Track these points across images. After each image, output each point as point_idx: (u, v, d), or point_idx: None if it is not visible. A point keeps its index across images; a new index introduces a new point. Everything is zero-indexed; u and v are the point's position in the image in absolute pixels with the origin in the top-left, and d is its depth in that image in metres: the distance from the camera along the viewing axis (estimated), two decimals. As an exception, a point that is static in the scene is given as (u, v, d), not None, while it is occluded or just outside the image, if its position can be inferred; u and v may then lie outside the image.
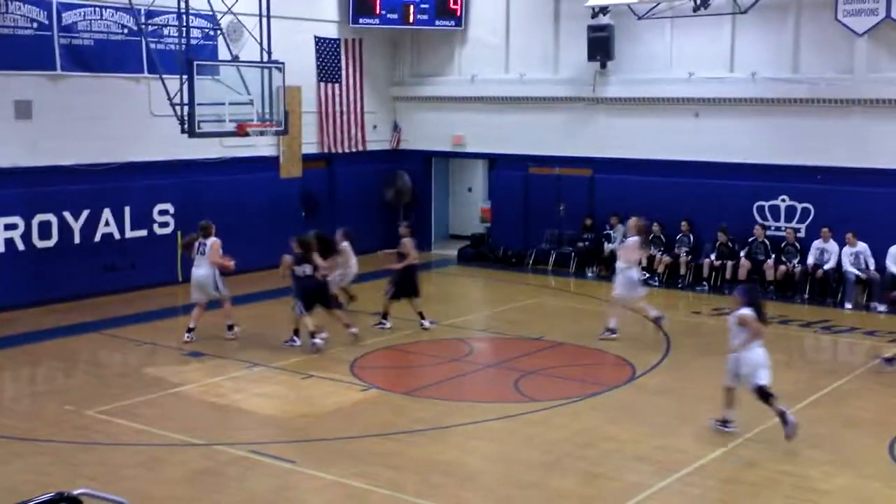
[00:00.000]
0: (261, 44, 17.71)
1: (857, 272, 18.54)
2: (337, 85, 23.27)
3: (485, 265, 22.78)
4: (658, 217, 20.84)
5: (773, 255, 19.51)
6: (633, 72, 21.48)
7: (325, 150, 23.26)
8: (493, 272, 22.19)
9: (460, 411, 12.35)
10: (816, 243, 19.13)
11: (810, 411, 12.43)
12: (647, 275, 20.62)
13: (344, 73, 23.37)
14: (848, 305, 18.47)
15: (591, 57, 21.46)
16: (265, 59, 17.67)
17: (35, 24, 17.68)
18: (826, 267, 18.88)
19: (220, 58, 19.16)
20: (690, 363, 14.72)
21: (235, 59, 17.87)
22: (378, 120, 24.62)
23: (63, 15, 18.03)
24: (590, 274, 21.52)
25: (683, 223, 20.63)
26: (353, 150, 23.89)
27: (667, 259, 20.58)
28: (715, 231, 20.07)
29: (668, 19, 20.62)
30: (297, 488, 10.01)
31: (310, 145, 22.79)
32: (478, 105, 23.63)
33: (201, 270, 15.47)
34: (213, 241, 15.52)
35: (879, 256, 18.50)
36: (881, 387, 13.69)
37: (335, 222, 23.36)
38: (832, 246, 18.89)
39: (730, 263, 19.73)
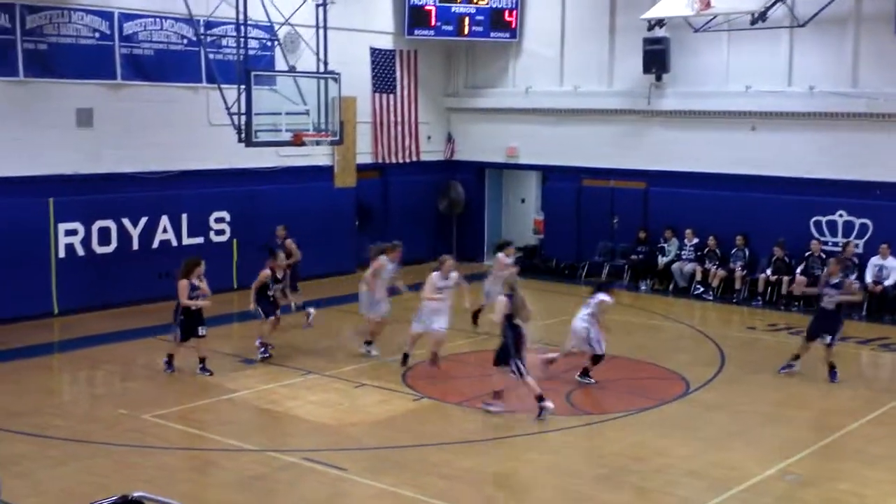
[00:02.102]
0: (317, 54, 17.85)
1: (915, 289, 18.26)
2: (392, 96, 23.40)
3: (537, 277, 22.65)
4: (713, 231, 20.70)
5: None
6: (688, 85, 21.34)
7: (379, 161, 23.39)
8: (545, 284, 22.09)
9: (513, 423, 12.33)
10: (874, 259, 18.86)
11: (869, 430, 12.24)
12: (703, 289, 20.50)
13: (399, 84, 23.50)
14: (906, 323, 18.18)
15: (646, 69, 21.37)
16: (321, 69, 17.80)
17: (97, 34, 18.01)
18: (886, 283, 18.59)
19: (278, 68, 19.37)
20: (744, 378, 14.55)
21: (292, 69, 18.03)
22: (432, 131, 24.70)
23: (124, 25, 18.35)
24: (643, 287, 21.37)
25: (739, 237, 20.43)
26: (407, 160, 23.99)
27: (722, 273, 20.38)
28: (771, 246, 19.84)
29: (725, 32, 20.46)
30: (348, 496, 10.04)
31: (364, 155, 22.94)
32: (532, 117, 23.60)
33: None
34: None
35: (940, 273, 18.21)
36: (941, 406, 13.44)
37: (388, 232, 23.57)
38: (891, 262, 18.59)
39: (786, 278, 19.50)
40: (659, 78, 21.53)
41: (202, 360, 14.21)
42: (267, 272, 15.19)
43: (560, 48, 23.20)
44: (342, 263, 21.92)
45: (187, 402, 12.94)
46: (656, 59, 21.15)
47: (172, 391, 13.51)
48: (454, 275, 14.82)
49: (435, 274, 14.70)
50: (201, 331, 14.25)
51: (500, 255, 16.93)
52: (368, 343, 15.35)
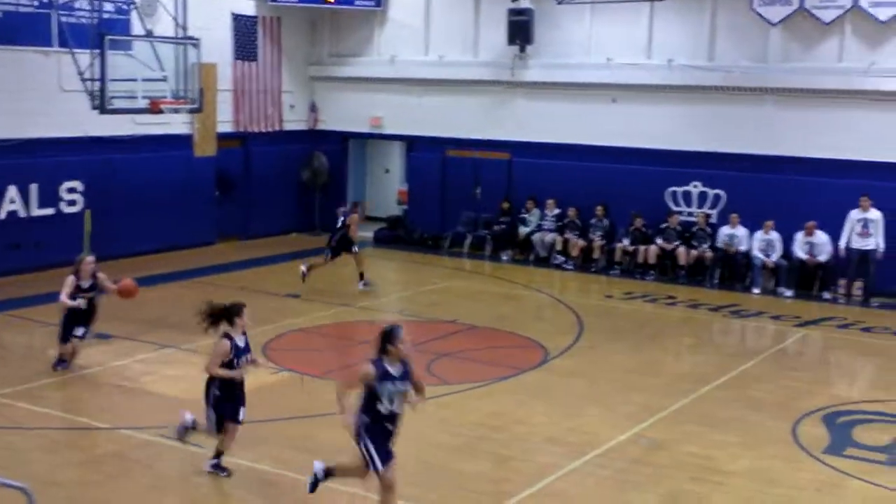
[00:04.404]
0: (176, 19, 17.39)
1: (763, 258, 18.94)
2: (254, 63, 22.95)
3: (401, 247, 22.74)
4: (574, 201, 21.03)
5: (685, 241, 19.80)
6: (552, 56, 21.56)
7: (241, 129, 22.92)
8: (409, 254, 22.16)
9: (373, 394, 12.28)
10: (724, 229, 19.48)
11: (717, 393, 12.68)
12: (563, 258, 20.84)
13: (261, 51, 23.05)
14: (756, 290, 18.86)
15: (510, 41, 21.48)
16: (180, 35, 17.36)
17: (-62, -6, 17.10)
18: (739, 249, 19.26)
19: (134, 33, 18.73)
20: (602, 346, 14.88)
21: (149, 34, 17.50)
22: (295, 100, 24.34)
23: (-31, -15, 17.48)
24: (505, 257, 21.58)
25: (599, 208, 20.80)
26: (270, 129, 23.59)
27: (581, 243, 20.74)
28: (629, 216, 20.29)
29: (588, 5, 20.75)
30: (206, 473, 9.86)
31: (225, 124, 22.42)
32: (397, 86, 23.48)
33: None
34: None
35: (787, 242, 18.92)
36: (786, 370, 14.02)
37: (249, 203, 23.24)
38: (741, 231, 19.26)
39: (643, 248, 19.99)
40: (523, 49, 21.67)
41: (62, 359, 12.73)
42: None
43: (425, 17, 23.10)
44: (201, 235, 21.51)
45: (36, 379, 12.44)
46: (520, 30, 21.28)
47: (20, 368, 12.98)
48: None
49: None
50: (78, 331, 12.71)
51: None
52: None
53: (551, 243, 21.12)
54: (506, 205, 21.96)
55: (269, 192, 23.43)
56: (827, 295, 18.49)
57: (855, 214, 18.05)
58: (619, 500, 9.48)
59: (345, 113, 24.32)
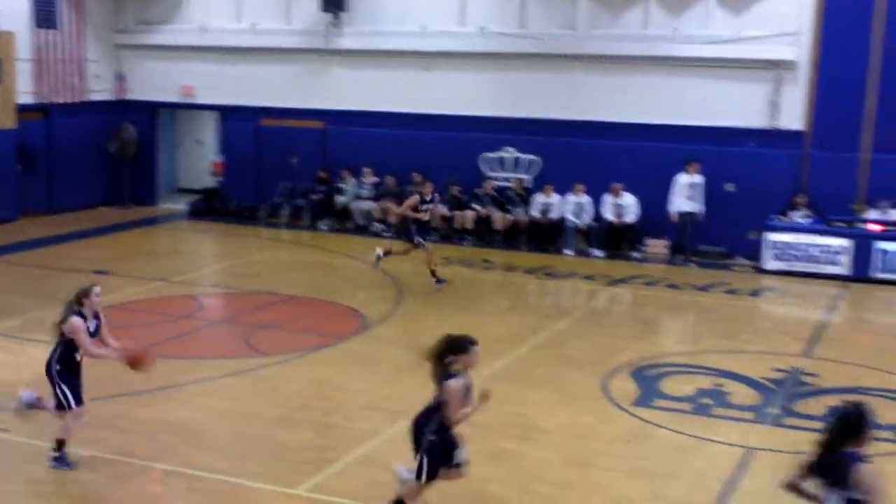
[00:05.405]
0: (-36, -16, 16.42)
1: (576, 221, 19.50)
2: (55, 31, 21.89)
3: (217, 219, 22.25)
4: (391, 169, 21.08)
5: (501, 205, 20.16)
6: (365, 24, 21.46)
7: (43, 101, 21.87)
8: (225, 226, 21.73)
9: (191, 369, 12.05)
10: (538, 197, 19.93)
11: (533, 353, 13.04)
12: (382, 226, 20.89)
13: (62, 18, 22.00)
14: (568, 252, 19.42)
15: (324, 8, 21.26)
16: (-30, 0, 16.39)
17: None
18: (550, 216, 19.76)
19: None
20: (420, 312, 15.04)
21: (-65, -1, 16.47)
22: (100, 69, 23.36)
23: None
24: (324, 227, 21.46)
25: (416, 175, 20.91)
26: (74, 100, 22.59)
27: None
28: (445, 182, 20.50)
29: (401, -29, 20.76)
30: (12, 458, 9.47)
31: (25, 95, 21.34)
32: (208, 55, 22.87)
33: None
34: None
35: (598, 205, 19.52)
36: (597, 328, 14.53)
37: (54, 176, 22.26)
38: (554, 198, 19.77)
39: (459, 214, 20.26)
40: (336, 17, 21.48)
41: None
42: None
43: (236, -17, 22.60)
44: (2, 211, 20.49)
45: None
46: (333, -3, 21.11)
47: None
48: None
49: None
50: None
51: None
52: None
53: (369, 211, 21.13)
54: (322, 174, 21.80)
55: (75, 164, 22.50)
56: (636, 254, 19.23)
57: (683, 178, 18.72)
58: (439, 462, 9.60)
59: (154, 82, 23.52)
